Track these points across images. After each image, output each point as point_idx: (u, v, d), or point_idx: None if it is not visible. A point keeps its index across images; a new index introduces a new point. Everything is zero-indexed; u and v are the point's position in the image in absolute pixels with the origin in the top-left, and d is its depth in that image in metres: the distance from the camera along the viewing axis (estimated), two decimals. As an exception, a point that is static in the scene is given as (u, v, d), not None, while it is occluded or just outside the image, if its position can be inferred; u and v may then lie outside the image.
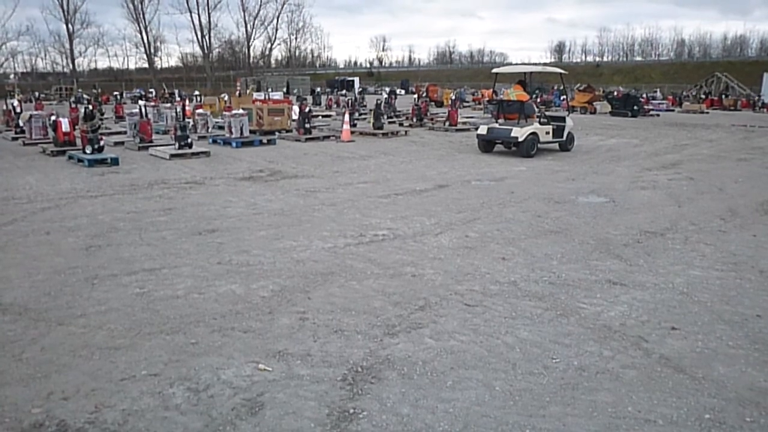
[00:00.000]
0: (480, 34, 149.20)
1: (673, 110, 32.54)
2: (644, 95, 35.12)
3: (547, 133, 12.62)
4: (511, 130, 12.05)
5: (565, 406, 2.93)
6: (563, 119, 13.36)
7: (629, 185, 9.23)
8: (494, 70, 14.37)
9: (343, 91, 33.80)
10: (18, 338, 3.70)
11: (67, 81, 57.35)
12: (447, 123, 18.85)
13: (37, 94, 29.30)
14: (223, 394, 3.03)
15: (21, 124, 15.84)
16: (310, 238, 6.01)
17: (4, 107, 19.05)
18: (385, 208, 7.45)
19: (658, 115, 28.27)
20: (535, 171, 10.51)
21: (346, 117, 16.24)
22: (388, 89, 34.17)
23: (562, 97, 31.96)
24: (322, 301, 4.27)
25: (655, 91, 44.05)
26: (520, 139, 11.88)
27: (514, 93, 12.90)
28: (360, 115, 21.52)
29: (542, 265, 5.10)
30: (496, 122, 12.91)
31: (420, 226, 6.47)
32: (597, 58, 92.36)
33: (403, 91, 50.74)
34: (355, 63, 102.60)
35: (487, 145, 12.93)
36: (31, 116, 15.09)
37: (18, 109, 17.54)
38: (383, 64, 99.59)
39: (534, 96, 15.48)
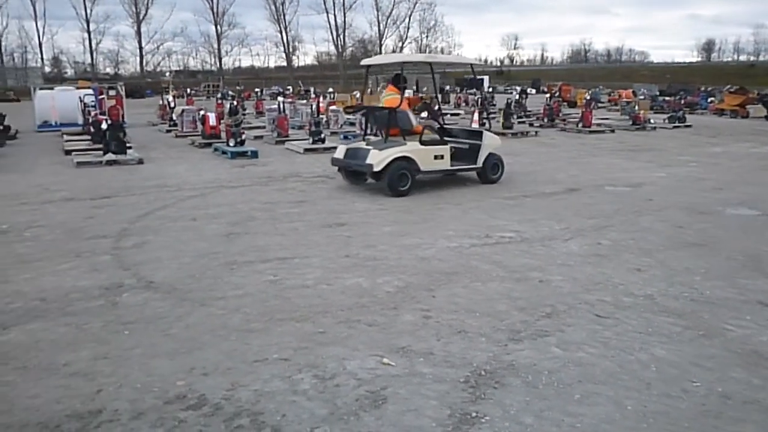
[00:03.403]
0: (616, 31, 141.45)
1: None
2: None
3: (440, 157, 8.43)
4: (368, 153, 8.04)
5: (705, 433, 2.71)
6: (478, 135, 9.07)
7: (787, 197, 8.36)
8: (363, 62, 10.18)
9: (473, 90, 33.48)
10: (166, 315, 4.04)
11: (214, 78, 61.74)
12: (580, 124, 18.09)
13: (188, 90, 31.78)
14: (347, 384, 3.12)
15: (174, 118, 17.28)
16: (435, 236, 6.03)
17: (160, 102, 20.87)
18: (511, 209, 7.30)
19: (824, 119, 25.31)
20: (676, 178, 9.81)
21: (475, 116, 16.08)
22: (518, 88, 33.44)
23: (710, 99, 29.50)
24: (446, 301, 4.27)
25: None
26: (376, 168, 7.86)
27: (385, 96, 8.95)
28: (489, 114, 21.22)
29: (682, 280, 4.75)
30: (364, 140, 8.78)
31: (548, 230, 6.27)
32: (751, 58, 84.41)
33: (534, 91, 49.32)
34: (486, 61, 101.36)
35: (349, 174, 8.81)
36: (183, 111, 16.44)
37: (172, 105, 19.14)
38: (514, 62, 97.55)
39: (678, 97, 13.12)
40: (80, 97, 16.52)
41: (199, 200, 7.87)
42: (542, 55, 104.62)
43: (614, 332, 3.76)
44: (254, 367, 3.32)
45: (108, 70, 71.52)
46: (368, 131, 8.97)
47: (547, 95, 22.94)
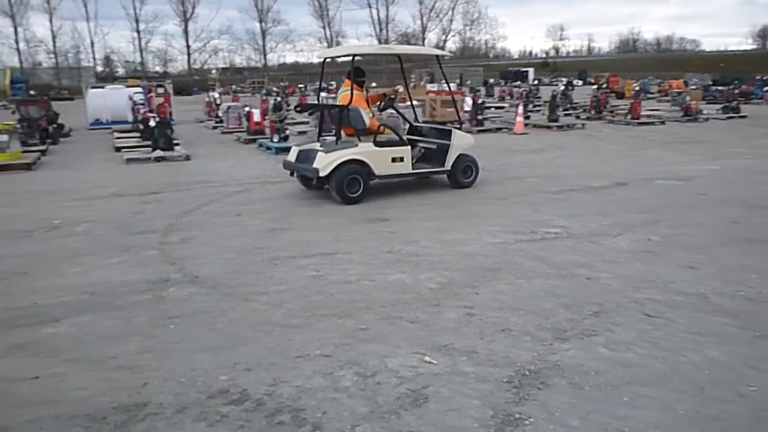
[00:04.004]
0: (666, 19, 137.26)
1: None
2: None
3: (399, 159, 7.62)
4: (316, 156, 7.32)
5: (763, 441, 2.58)
6: (447, 134, 8.17)
7: None
8: (318, 54, 9.35)
9: (517, 82, 33.03)
10: (211, 310, 4.09)
11: (259, 75, 62.60)
12: (628, 116, 17.61)
13: (233, 87, 32.34)
14: (389, 382, 3.09)
15: (220, 114, 17.57)
16: (479, 231, 5.94)
17: (207, 99, 21.26)
18: (557, 204, 7.14)
19: None
20: (730, 171, 9.42)
21: (520, 109, 15.85)
22: (564, 80, 32.78)
23: (765, 89, 28.25)
24: (490, 298, 4.19)
25: None
26: (321, 173, 7.15)
27: (342, 92, 8.13)
28: (534, 107, 20.89)
29: (738, 278, 4.54)
30: (318, 141, 8.07)
31: (595, 226, 6.10)
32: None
33: (580, 82, 48.34)
34: (530, 53, 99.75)
35: (302, 178, 8.15)
36: (228, 107, 16.69)
37: (218, 101, 19.46)
38: (559, 53, 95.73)
39: (732, 86, 12.15)
40: (130, 96, 16.96)
41: (244, 196, 7.97)
42: (589, 45, 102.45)
43: (665, 332, 3.62)
44: (296, 363, 3.32)
45: (157, 68, 73.31)
46: (323, 131, 8.31)
47: (594, 86, 22.40)
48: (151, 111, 13.46)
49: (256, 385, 3.09)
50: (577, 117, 18.90)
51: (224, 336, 3.67)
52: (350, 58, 7.91)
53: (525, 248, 5.37)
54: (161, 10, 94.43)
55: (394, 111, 8.73)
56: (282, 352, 3.44)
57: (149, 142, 11.90)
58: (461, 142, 8.14)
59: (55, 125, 14.87)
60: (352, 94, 7.48)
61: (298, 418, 2.79)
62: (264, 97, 20.44)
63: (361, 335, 3.65)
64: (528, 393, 2.95)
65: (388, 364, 3.28)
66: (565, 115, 19.14)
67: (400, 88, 9.07)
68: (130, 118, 16.64)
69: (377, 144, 7.48)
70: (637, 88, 21.81)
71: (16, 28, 61.70)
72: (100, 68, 69.10)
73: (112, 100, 18.21)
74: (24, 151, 11.47)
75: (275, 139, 12.43)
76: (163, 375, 3.21)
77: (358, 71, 7.90)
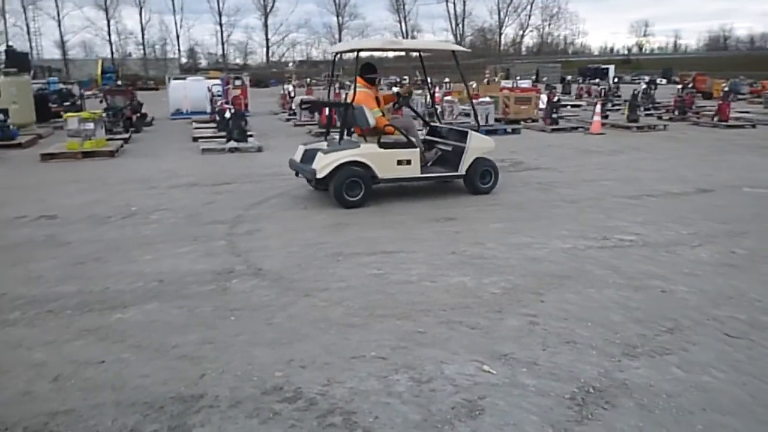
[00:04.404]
0: (762, 15, 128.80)
1: None
2: None
3: (405, 162, 7.12)
4: (316, 156, 6.91)
5: None
6: (463, 137, 7.55)
7: None
8: (331, 49, 8.38)
9: (596, 80, 31.88)
10: (271, 304, 4.12)
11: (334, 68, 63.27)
12: (716, 118, 16.64)
13: (308, 80, 32.83)
14: (444, 389, 3.00)
15: (293, 107, 17.85)
16: (548, 235, 5.73)
17: (281, 92, 21.66)
18: (633, 210, 6.80)
19: None
20: (830, 179, 8.71)
21: (597, 108, 15.28)
22: (647, 78, 31.40)
23: None
24: (555, 307, 4.02)
25: None
26: (319, 174, 6.77)
27: (361, 89, 7.35)
28: (613, 105, 20.11)
29: (834, 299, 4.17)
30: (325, 139, 7.59)
31: (674, 235, 5.76)
32: None
33: (664, 81, 46.17)
34: (611, 50, 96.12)
35: (308, 180, 7.50)
36: (302, 100, 16.90)
37: (292, 94, 19.79)
38: (643, 50, 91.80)
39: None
40: (209, 87, 17.49)
41: (312, 189, 8.02)
42: (675, 42, 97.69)
43: (747, 355, 3.35)
44: (351, 363, 3.28)
45: (237, 60, 75.59)
46: (330, 129, 7.74)
47: (679, 86, 21.31)
48: (227, 102, 13.82)
49: (310, 383, 3.07)
50: (659, 117, 18.04)
51: (282, 331, 3.68)
52: (366, 53, 7.72)
53: (596, 255, 5.13)
54: (243, 3, 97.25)
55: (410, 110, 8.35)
56: (338, 352, 3.41)
57: (224, 133, 12.22)
58: (478, 144, 7.54)
59: (138, 114, 15.54)
60: (354, 90, 7.18)
61: (350, 421, 2.74)
62: (337, 91, 20.66)
63: (418, 339, 3.57)
64: (591, 412, 2.79)
65: (444, 371, 3.19)
66: (646, 115, 18.32)
67: (412, 88, 8.81)
68: (209, 109, 17.18)
69: (382, 145, 7.06)
70: (727, 89, 20.56)
71: (108, 20, 65.27)
72: (184, 60, 71.95)
73: (192, 91, 18.85)
74: (108, 139, 12.03)
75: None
76: (221, 367, 3.25)
77: (368, 67, 7.62)
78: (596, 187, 8.16)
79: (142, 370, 3.23)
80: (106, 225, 6.25)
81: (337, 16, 73.13)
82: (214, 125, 14.48)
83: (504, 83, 26.35)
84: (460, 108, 17.48)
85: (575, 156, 11.04)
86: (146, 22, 69.01)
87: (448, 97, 18.02)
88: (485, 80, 29.44)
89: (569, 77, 38.62)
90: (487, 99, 15.57)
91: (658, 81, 34.04)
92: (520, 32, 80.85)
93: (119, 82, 18.05)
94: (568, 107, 21.99)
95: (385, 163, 7.02)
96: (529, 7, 76.44)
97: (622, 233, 5.80)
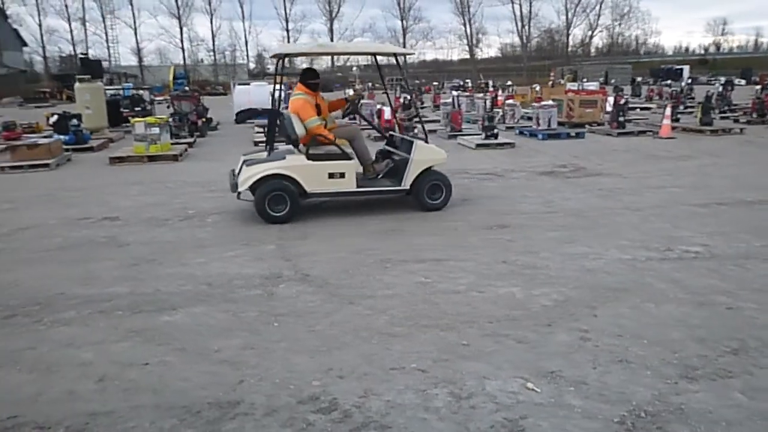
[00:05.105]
0: None
1: None
2: None
3: (338, 175, 6.55)
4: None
5: None
6: (408, 146, 6.94)
7: None
8: (274, 52, 7.85)
9: (668, 81, 30.60)
10: (315, 310, 4.09)
11: (398, 72, 63.49)
12: (799, 120, 15.62)
13: (371, 84, 33.04)
14: (484, 407, 2.88)
15: (352, 111, 17.94)
16: (606, 245, 5.47)
17: (342, 96, 21.85)
18: (701, 219, 6.42)
19: None
20: None
21: (667, 110, 14.61)
22: (723, 79, 29.91)
23: None
24: (609, 322, 3.81)
25: None
26: (240, 188, 6.45)
27: (296, 96, 6.92)
28: (685, 108, 19.23)
29: None
30: (267, 149, 6.96)
31: (745, 247, 5.39)
32: None
33: (743, 82, 43.85)
34: (686, 49, 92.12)
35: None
36: (361, 105, 16.97)
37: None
38: (720, 50, 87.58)
39: None
40: (271, 92, 17.80)
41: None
42: (756, 41, 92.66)
43: (822, 382, 3.06)
44: (390, 375, 3.20)
45: (304, 65, 76.96)
46: (274, 138, 6.97)
47: (758, 87, 20.13)
48: (288, 107, 14.00)
49: (347, 394, 3.01)
50: (735, 120, 17.07)
51: (323, 339, 3.64)
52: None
53: (657, 268, 4.85)
54: (309, 9, 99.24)
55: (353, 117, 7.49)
56: (377, 362, 3.34)
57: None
58: (425, 156, 6.85)
59: (203, 119, 15.98)
60: (280, 95, 6.89)
61: (383, 436, 2.66)
62: (398, 95, 20.65)
63: (461, 351, 3.45)
64: (641, 439, 2.61)
65: (486, 387, 3.06)
66: (722, 118, 17.40)
67: (363, 92, 8.01)
68: (272, 114, 17.44)
69: (310, 157, 6.49)
70: (812, 89, 19.25)
71: (181, 28, 67.79)
72: (252, 65, 73.92)
73: (255, 96, 19.24)
74: (174, 143, 12.42)
75: (403, 138, 12.43)
76: (260, 374, 3.23)
77: (309, 72, 7.13)
78: (662, 194, 7.77)
79: (184, 374, 3.25)
80: (163, 227, 6.41)
81: (402, 20, 73.30)
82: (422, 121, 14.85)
83: (570, 85, 25.68)
84: (522, 112, 17.15)
85: (641, 161, 10.57)
86: (216, 29, 71.35)
87: (510, 101, 17.69)
88: (549, 82, 28.76)
89: (640, 79, 37.23)
90: (550, 102, 15.15)
91: (736, 82, 32.33)
92: (589, 33, 78.74)
93: (186, 88, 18.62)
94: (637, 110, 21.18)
95: (315, 176, 6.48)
96: (598, 6, 74.35)
97: (688, 244, 5.48)
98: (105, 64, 54.81)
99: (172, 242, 5.82)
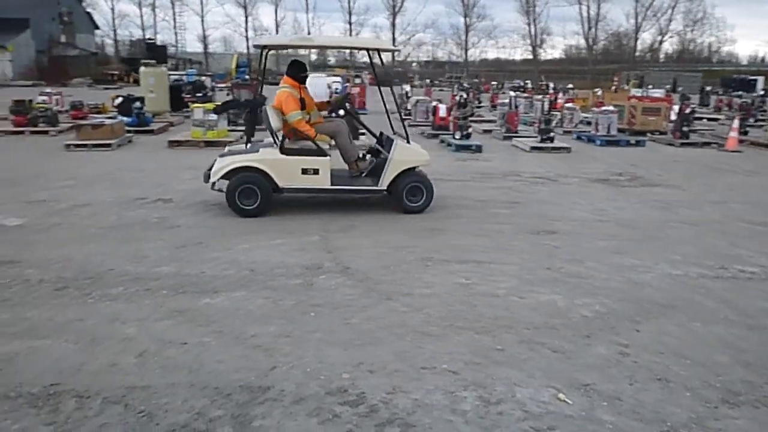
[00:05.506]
0: None
1: None
2: None
3: (312, 171, 6.42)
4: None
5: None
6: (388, 142, 6.83)
7: None
8: (256, 43, 7.70)
9: (739, 92, 29.30)
10: (351, 303, 4.11)
11: (459, 70, 63.16)
12: None
13: (427, 80, 32.91)
14: (512, 414, 2.84)
15: (409, 107, 17.93)
16: (657, 259, 5.30)
17: (399, 92, 21.84)
18: (762, 238, 6.13)
19: None
20: None
21: (735, 122, 14.00)
22: (801, 91, 28.42)
23: None
24: (651, 338, 3.69)
25: None
26: (212, 179, 6.40)
27: (282, 89, 6.81)
28: (756, 121, 18.39)
29: None
30: (245, 141, 6.97)
31: (807, 270, 5.13)
32: None
33: (822, 96, 41.60)
34: (762, 60, 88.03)
35: None
36: (417, 101, 16.95)
37: (409, 94, 19.89)
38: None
39: None
40: (328, 84, 17.97)
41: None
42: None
43: None
44: (420, 374, 3.19)
45: (365, 59, 77.35)
46: (253, 131, 6.96)
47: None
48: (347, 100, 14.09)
49: (375, 389, 3.02)
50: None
51: (357, 332, 3.66)
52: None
53: (708, 286, 4.67)
54: (372, 3, 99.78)
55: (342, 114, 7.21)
56: (409, 360, 3.33)
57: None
58: (405, 156, 6.65)
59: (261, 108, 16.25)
60: (262, 86, 6.91)
61: (407, 434, 2.66)
62: (455, 93, 20.51)
63: (494, 356, 3.41)
64: (673, 461, 2.52)
65: (516, 394, 3.01)
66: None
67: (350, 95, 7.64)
68: (327, 106, 17.63)
69: (284, 151, 6.40)
70: None
71: (246, 17, 69.03)
72: (314, 57, 74.70)
73: (312, 88, 19.36)
74: (230, 130, 12.69)
75: (457, 136, 12.35)
76: (292, 362, 3.28)
77: (295, 65, 7.01)
78: (723, 209, 7.46)
79: (219, 356, 3.33)
80: (212, 211, 6.56)
81: (465, 17, 72.62)
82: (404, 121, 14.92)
83: (634, 91, 24.93)
84: (581, 116, 16.76)
85: (703, 174, 10.18)
86: (281, 20, 72.31)
87: (570, 104, 17.31)
88: (612, 87, 27.99)
89: (709, 88, 35.79)
90: (611, 108, 14.74)
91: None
92: (659, 38, 76.11)
93: (247, 77, 18.98)
94: (704, 120, 20.38)
95: (287, 171, 6.38)
96: (670, 11, 71.71)
97: (744, 263, 5.24)
98: (171, 49, 56.44)
99: (220, 227, 5.96)
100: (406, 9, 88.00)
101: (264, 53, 6.93)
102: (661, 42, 72.96)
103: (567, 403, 2.95)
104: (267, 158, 6.36)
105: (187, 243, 5.38)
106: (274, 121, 6.49)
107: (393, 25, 72.03)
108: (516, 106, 15.18)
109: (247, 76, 18.79)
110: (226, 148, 6.82)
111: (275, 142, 6.51)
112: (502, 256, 5.25)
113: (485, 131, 15.30)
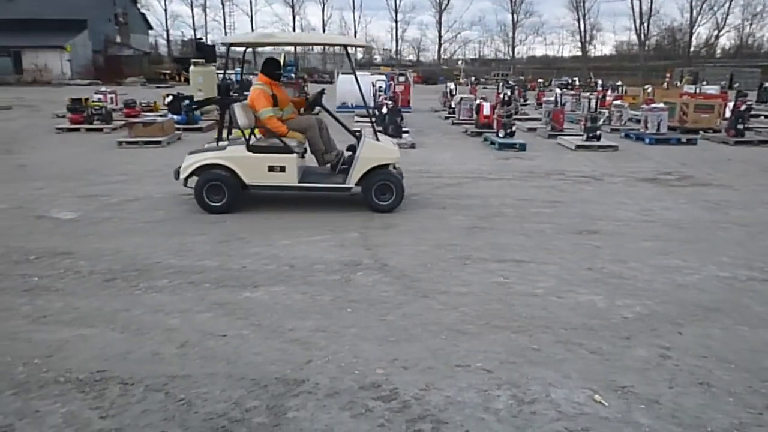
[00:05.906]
0: None
1: None
2: None
3: (279, 169, 6.37)
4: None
5: None
6: (356, 138, 6.80)
7: None
8: (223, 40, 6.88)
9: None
10: (388, 300, 4.14)
11: (505, 67, 62.48)
12: None
13: (473, 78, 32.66)
14: (546, 414, 2.81)
15: (453, 105, 17.87)
16: (704, 260, 5.15)
17: (444, 89, 21.77)
18: (818, 241, 5.88)
19: None
20: None
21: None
22: None
23: None
24: (694, 342, 3.59)
25: None
26: (181, 175, 6.48)
27: (254, 86, 6.84)
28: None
29: None
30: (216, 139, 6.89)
31: None
32: None
33: None
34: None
35: None
36: (461, 99, 16.86)
37: (453, 92, 19.80)
38: None
39: None
40: (373, 82, 18.05)
41: (455, 189, 7.97)
42: None
43: None
44: (454, 371, 3.20)
45: (411, 57, 77.36)
46: (231, 128, 6.87)
47: None
48: (391, 98, 14.15)
49: (408, 385, 3.04)
50: None
51: (392, 329, 3.69)
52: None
53: (758, 289, 4.51)
54: (419, 1, 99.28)
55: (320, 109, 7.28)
56: (443, 357, 3.34)
57: (380, 128, 12.53)
58: (373, 154, 6.52)
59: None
60: (230, 84, 6.54)
61: (439, 430, 2.67)
62: (500, 91, 20.30)
63: (530, 356, 3.38)
64: (711, 468, 2.46)
65: (551, 394, 2.98)
66: None
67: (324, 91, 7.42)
68: (371, 104, 17.73)
69: (250, 148, 6.38)
70: None
71: (294, 16, 70.03)
72: (360, 55, 75.10)
73: (356, 85, 19.56)
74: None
75: (500, 134, 12.23)
76: (327, 356, 3.33)
77: (270, 63, 6.97)
78: (776, 210, 7.18)
79: (257, 348, 3.41)
80: (255, 208, 6.69)
81: (512, 14, 71.74)
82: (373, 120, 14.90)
83: (687, 88, 24.17)
84: (630, 113, 16.37)
85: (757, 173, 9.80)
86: (327, 19, 73.28)
87: (618, 102, 16.91)
88: (664, 84, 27.21)
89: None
90: (661, 105, 14.34)
91: None
92: (715, 32, 73.53)
93: (293, 75, 19.23)
94: (761, 118, 19.62)
95: (254, 168, 6.36)
96: (727, 4, 69.16)
97: (798, 267, 5.04)
98: (221, 49, 57.55)
99: (261, 222, 6.08)
100: (453, 6, 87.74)
101: (244, 51, 7.04)
102: (717, 36, 70.55)
103: (603, 404, 2.90)
104: (233, 155, 6.38)
105: (229, 238, 5.51)
106: (242, 119, 6.44)
107: (439, 22, 71.82)
108: (562, 104, 14.93)
109: (293, 75, 19.00)
110: (208, 145, 6.88)
111: (246, 139, 6.49)
112: (542, 256, 5.19)
113: (530, 129, 15.10)
